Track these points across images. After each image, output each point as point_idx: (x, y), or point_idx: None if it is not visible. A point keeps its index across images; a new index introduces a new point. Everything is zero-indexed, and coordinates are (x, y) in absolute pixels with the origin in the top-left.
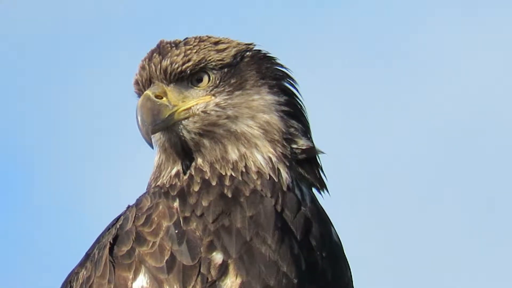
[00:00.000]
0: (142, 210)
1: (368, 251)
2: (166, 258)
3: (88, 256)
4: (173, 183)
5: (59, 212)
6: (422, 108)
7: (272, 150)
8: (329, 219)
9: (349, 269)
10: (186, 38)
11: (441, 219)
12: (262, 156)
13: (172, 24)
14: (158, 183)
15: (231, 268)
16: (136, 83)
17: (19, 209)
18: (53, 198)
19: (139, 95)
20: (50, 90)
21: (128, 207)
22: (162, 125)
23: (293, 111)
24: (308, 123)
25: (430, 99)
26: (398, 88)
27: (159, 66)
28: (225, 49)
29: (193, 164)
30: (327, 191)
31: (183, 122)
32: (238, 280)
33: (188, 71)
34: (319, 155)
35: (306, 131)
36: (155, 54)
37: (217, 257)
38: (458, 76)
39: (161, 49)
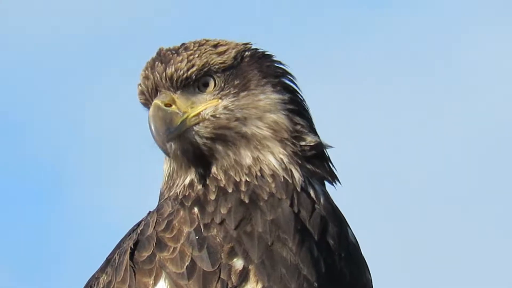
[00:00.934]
0: (163, 216)
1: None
2: (186, 264)
3: (108, 261)
4: (187, 193)
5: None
6: (467, 115)
7: (283, 150)
8: (344, 218)
9: (368, 269)
10: (184, 43)
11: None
12: (274, 157)
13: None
14: (171, 193)
15: (252, 274)
16: (142, 93)
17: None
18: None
19: (146, 105)
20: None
21: (149, 212)
22: (176, 133)
23: (297, 108)
24: (312, 119)
25: (473, 107)
26: (443, 95)
27: (164, 75)
28: (225, 51)
29: (207, 172)
30: (339, 182)
31: (194, 128)
32: (259, 286)
33: (194, 77)
34: (327, 149)
35: (311, 127)
36: (157, 62)
37: (238, 263)
38: (503, 84)
39: (162, 57)
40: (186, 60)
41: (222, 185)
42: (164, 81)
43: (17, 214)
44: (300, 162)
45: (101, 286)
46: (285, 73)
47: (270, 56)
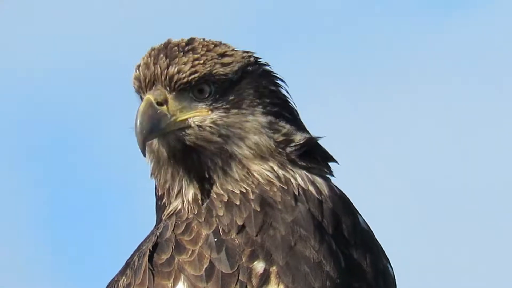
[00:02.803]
0: (182, 219)
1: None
2: (205, 266)
3: (128, 264)
4: (196, 211)
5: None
6: None
7: (267, 162)
8: (353, 205)
9: (384, 254)
10: (192, 40)
11: None
12: (263, 168)
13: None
14: (171, 210)
15: (273, 276)
16: (137, 79)
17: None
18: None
19: (138, 92)
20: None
21: (160, 223)
22: (158, 134)
23: (286, 116)
24: (298, 115)
25: None
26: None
27: (165, 72)
28: (229, 63)
29: (206, 187)
30: (336, 162)
31: (176, 132)
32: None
33: (193, 83)
34: (318, 141)
35: (299, 126)
36: (161, 55)
37: (259, 266)
38: None
39: (168, 51)
40: (190, 64)
41: (226, 200)
42: (163, 78)
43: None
44: (292, 165)
45: None
46: (279, 91)
47: (269, 73)
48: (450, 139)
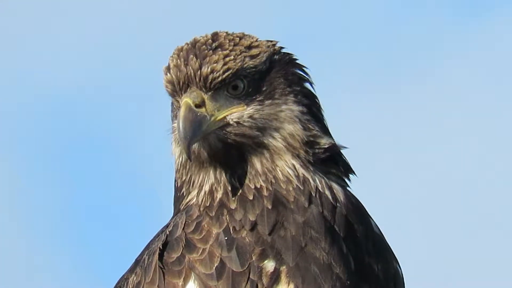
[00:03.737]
0: (192, 217)
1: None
2: (215, 264)
3: (137, 262)
4: (208, 204)
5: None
6: None
7: (295, 158)
8: (366, 211)
9: (395, 258)
10: (216, 35)
11: None
12: (287, 165)
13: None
14: (188, 200)
15: (283, 275)
16: (171, 83)
17: None
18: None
19: (173, 96)
20: None
21: (178, 215)
22: (201, 137)
23: (314, 113)
24: (326, 121)
25: None
26: None
27: (198, 73)
28: (257, 54)
29: (225, 178)
30: (355, 174)
31: (216, 132)
32: (290, 287)
33: (227, 80)
34: (341, 150)
35: (325, 130)
36: (191, 55)
37: (269, 265)
38: None
39: (197, 51)
40: (222, 62)
41: (240, 193)
42: (197, 79)
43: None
44: (313, 167)
45: (130, 286)
46: (307, 79)
47: (295, 60)
48: (489, 145)
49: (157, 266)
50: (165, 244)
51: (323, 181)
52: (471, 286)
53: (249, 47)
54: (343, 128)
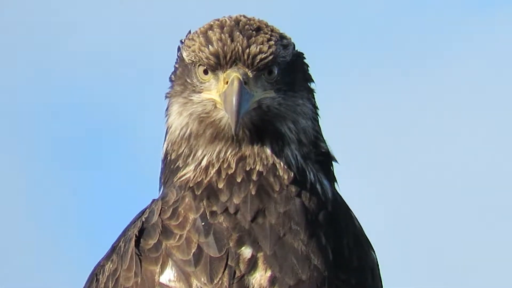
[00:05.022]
0: (168, 204)
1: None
2: (193, 250)
3: (114, 248)
4: (199, 179)
5: None
6: None
7: (300, 150)
8: (349, 208)
9: (372, 248)
10: (249, 20)
11: None
12: (291, 154)
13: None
14: (181, 177)
15: (260, 262)
16: (215, 56)
17: None
18: None
19: (211, 68)
20: None
21: (153, 200)
22: (245, 114)
23: (318, 115)
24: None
25: None
26: None
27: (247, 51)
28: (288, 45)
29: (225, 156)
30: (338, 186)
31: (251, 112)
32: (268, 274)
33: (269, 64)
34: (333, 160)
35: (322, 135)
36: (237, 32)
37: (246, 252)
38: None
39: (242, 29)
40: (267, 45)
41: (231, 173)
42: (245, 57)
43: None
44: (311, 162)
45: (106, 274)
46: (312, 81)
47: (304, 59)
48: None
49: (134, 253)
50: (141, 231)
51: (316, 176)
52: (471, 287)
53: (281, 38)
54: (343, 127)
